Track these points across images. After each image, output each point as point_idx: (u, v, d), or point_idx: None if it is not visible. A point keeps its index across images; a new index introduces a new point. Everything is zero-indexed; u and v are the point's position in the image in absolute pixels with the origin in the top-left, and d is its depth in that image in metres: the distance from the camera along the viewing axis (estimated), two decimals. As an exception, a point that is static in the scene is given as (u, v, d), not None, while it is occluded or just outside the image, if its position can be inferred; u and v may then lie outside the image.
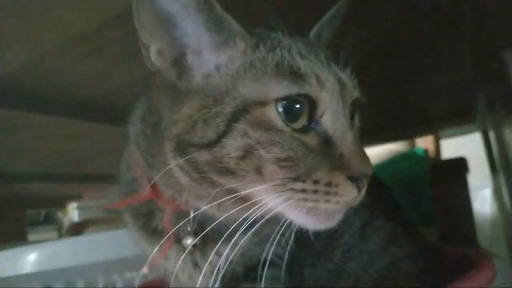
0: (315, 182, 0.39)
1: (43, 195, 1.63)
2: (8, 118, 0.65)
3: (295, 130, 0.40)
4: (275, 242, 0.45)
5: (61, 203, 1.86)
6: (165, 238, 0.50)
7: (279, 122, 0.39)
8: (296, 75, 0.39)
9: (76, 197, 1.84)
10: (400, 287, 0.51)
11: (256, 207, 0.40)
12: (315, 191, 0.39)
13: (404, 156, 1.45)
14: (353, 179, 0.39)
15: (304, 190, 0.39)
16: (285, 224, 0.43)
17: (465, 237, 1.06)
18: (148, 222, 0.53)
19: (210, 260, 0.48)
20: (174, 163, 0.42)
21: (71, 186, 1.53)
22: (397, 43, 0.68)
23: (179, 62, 0.42)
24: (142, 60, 0.43)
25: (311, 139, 0.40)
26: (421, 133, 1.54)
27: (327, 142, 0.40)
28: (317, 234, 0.51)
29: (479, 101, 1.02)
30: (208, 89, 0.41)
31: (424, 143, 1.57)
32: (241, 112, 0.39)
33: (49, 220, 2.03)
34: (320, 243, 0.53)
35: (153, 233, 0.52)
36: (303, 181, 0.39)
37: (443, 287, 0.44)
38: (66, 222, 2.04)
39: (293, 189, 0.39)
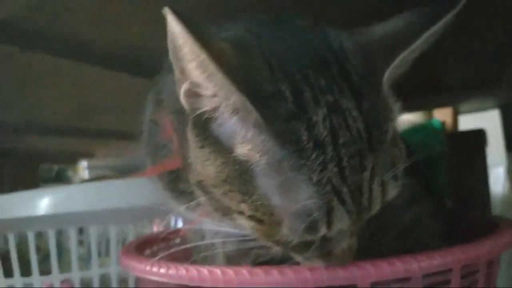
0: None
1: (56, 150, 1.63)
2: (24, 60, 0.64)
3: None
4: None
5: (73, 160, 1.87)
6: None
7: None
8: (309, 224, 0.36)
9: (88, 155, 1.84)
10: (420, 244, 0.50)
11: None
12: None
13: (420, 127, 1.43)
14: None
15: None
16: None
17: (480, 209, 1.05)
18: (174, 181, 0.51)
19: None
20: None
21: (83, 142, 1.53)
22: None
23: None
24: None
25: None
26: (440, 104, 1.51)
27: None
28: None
29: (507, 71, 0.99)
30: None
31: (441, 115, 1.54)
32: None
33: (60, 178, 2.05)
34: None
35: (180, 194, 0.51)
36: None
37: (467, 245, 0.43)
38: (76, 180, 2.06)
39: None
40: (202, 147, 0.39)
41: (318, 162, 0.34)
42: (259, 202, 0.36)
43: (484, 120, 1.46)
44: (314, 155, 0.34)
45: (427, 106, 1.52)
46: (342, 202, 0.35)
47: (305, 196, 0.35)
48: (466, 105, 1.59)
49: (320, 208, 0.35)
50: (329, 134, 0.35)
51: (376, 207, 0.38)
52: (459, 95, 1.37)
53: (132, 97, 0.56)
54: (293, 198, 0.35)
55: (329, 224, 0.36)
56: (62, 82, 0.80)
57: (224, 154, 0.38)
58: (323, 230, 0.36)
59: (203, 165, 0.39)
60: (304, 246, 0.39)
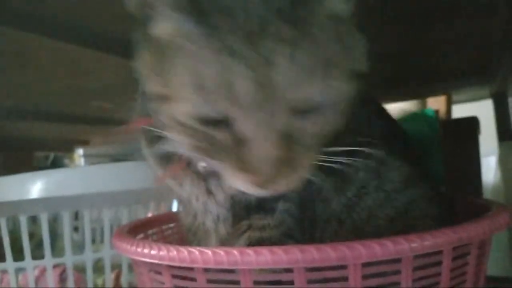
0: None
1: (51, 137, 1.63)
2: (16, 41, 0.63)
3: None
4: None
5: (69, 148, 1.87)
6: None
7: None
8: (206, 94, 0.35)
9: (83, 143, 1.84)
10: (416, 227, 0.50)
11: None
12: None
13: (414, 116, 1.43)
14: None
15: None
16: None
17: (472, 195, 1.05)
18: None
19: (223, 187, 0.49)
20: None
21: (79, 129, 1.52)
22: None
23: None
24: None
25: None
26: (434, 93, 1.51)
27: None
28: (331, 171, 0.50)
29: (504, 59, 0.98)
30: None
31: (435, 104, 1.54)
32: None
33: (56, 166, 2.04)
34: (333, 179, 0.52)
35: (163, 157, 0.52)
36: None
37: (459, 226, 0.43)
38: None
39: None
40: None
41: (226, 29, 0.34)
42: (172, 81, 0.36)
43: (477, 110, 1.47)
44: (221, 23, 0.34)
45: (421, 94, 1.53)
46: (247, 69, 0.33)
47: (212, 67, 0.34)
48: (459, 94, 1.60)
49: (223, 78, 0.34)
50: (236, 3, 0.34)
51: (290, 89, 0.35)
52: (453, 83, 1.37)
53: (129, 83, 0.55)
54: (201, 71, 0.34)
55: (233, 97, 0.34)
56: (56, 65, 0.80)
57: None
58: (226, 105, 0.35)
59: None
60: (217, 148, 0.38)
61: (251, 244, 0.50)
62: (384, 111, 0.66)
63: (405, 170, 0.55)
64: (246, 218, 0.51)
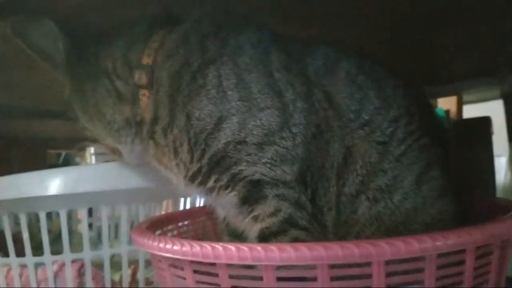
0: None
1: (64, 136, 1.63)
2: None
3: None
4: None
5: (81, 146, 1.87)
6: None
7: None
8: None
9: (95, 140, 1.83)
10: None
11: None
12: None
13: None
14: None
15: None
16: None
17: (486, 195, 1.05)
18: None
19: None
20: None
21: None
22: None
23: None
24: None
25: None
26: (445, 93, 1.50)
27: None
28: (385, 171, 0.53)
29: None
30: None
31: (446, 104, 1.54)
32: None
33: (68, 164, 2.05)
34: (385, 182, 0.53)
35: None
36: None
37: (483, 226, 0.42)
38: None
39: None
40: None
41: None
42: None
43: (487, 110, 1.46)
44: None
45: (432, 94, 1.52)
46: None
47: None
48: (470, 95, 1.59)
49: None
50: None
51: None
52: (464, 83, 1.37)
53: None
54: None
55: None
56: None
57: None
58: None
59: None
60: None
61: (258, 238, 0.50)
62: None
63: (441, 182, 0.55)
64: (250, 212, 0.52)
